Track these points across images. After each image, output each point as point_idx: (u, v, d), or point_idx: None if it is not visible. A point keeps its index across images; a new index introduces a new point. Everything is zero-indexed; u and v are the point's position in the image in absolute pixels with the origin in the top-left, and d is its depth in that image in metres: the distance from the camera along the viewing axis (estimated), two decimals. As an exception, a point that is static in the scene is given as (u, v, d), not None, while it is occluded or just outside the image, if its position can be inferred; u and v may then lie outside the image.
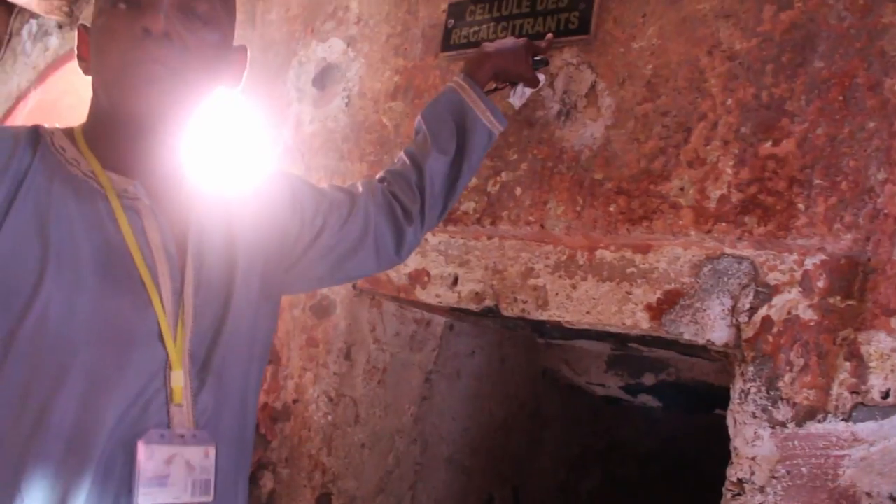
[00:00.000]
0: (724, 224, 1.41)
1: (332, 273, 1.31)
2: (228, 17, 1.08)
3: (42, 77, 3.56)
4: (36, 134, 1.00)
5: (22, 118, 3.69)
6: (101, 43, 0.98)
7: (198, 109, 1.04)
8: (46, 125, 1.03)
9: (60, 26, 3.47)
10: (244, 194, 1.15)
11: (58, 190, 0.95)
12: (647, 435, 2.97)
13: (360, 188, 1.35)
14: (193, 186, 1.08)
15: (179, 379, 0.96)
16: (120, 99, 0.97)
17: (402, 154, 1.45)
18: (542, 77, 1.63)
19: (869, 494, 1.20)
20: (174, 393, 0.95)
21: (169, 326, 0.96)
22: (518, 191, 1.71)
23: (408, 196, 1.38)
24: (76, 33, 1.08)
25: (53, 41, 3.52)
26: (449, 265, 1.80)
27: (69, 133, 1.03)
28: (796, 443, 1.28)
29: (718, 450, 1.49)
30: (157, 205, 1.02)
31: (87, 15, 3.32)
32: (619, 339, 2.01)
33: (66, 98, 3.62)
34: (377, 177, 1.43)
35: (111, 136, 1.01)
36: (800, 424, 1.28)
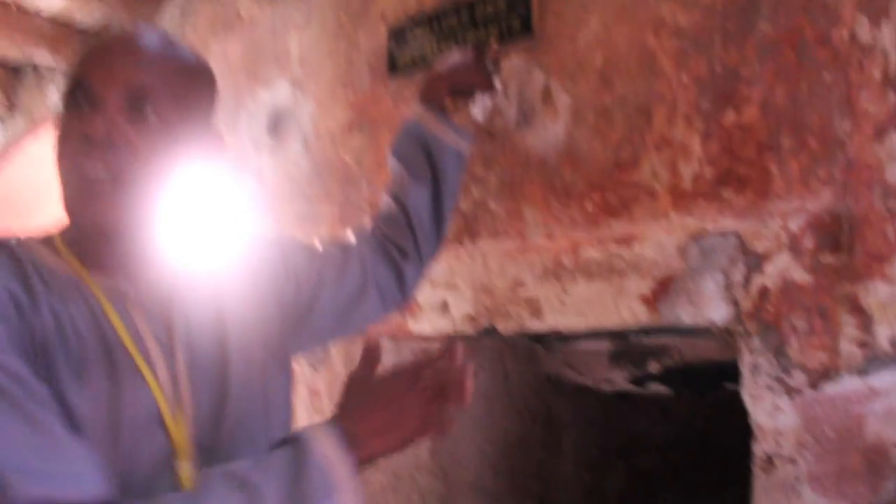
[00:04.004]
0: (702, 201, 1.39)
1: (341, 325, 1.30)
2: (197, 110, 1.01)
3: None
4: (13, 255, 0.95)
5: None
6: (55, 149, 0.95)
7: (160, 204, 1.00)
8: (15, 240, 0.98)
9: (1, 119, 3.42)
10: (232, 270, 1.12)
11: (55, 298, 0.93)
12: (663, 423, 2.95)
13: (352, 238, 1.35)
14: (175, 272, 1.05)
15: (186, 469, 0.93)
16: (72, 213, 0.94)
17: (383, 196, 1.44)
18: (497, 83, 1.61)
19: (898, 445, 1.18)
20: (182, 483, 0.92)
21: (169, 410, 0.94)
22: (492, 204, 1.69)
23: (399, 234, 1.37)
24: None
25: (-6, 134, 3.46)
26: (436, 290, 1.77)
27: (49, 241, 1.00)
28: (816, 407, 1.26)
29: (735, 423, 1.46)
30: (141, 297, 1.00)
31: (28, 105, 3.27)
32: (616, 334, 1.99)
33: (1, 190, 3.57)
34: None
35: (83, 238, 0.98)
36: (815, 387, 1.26)
